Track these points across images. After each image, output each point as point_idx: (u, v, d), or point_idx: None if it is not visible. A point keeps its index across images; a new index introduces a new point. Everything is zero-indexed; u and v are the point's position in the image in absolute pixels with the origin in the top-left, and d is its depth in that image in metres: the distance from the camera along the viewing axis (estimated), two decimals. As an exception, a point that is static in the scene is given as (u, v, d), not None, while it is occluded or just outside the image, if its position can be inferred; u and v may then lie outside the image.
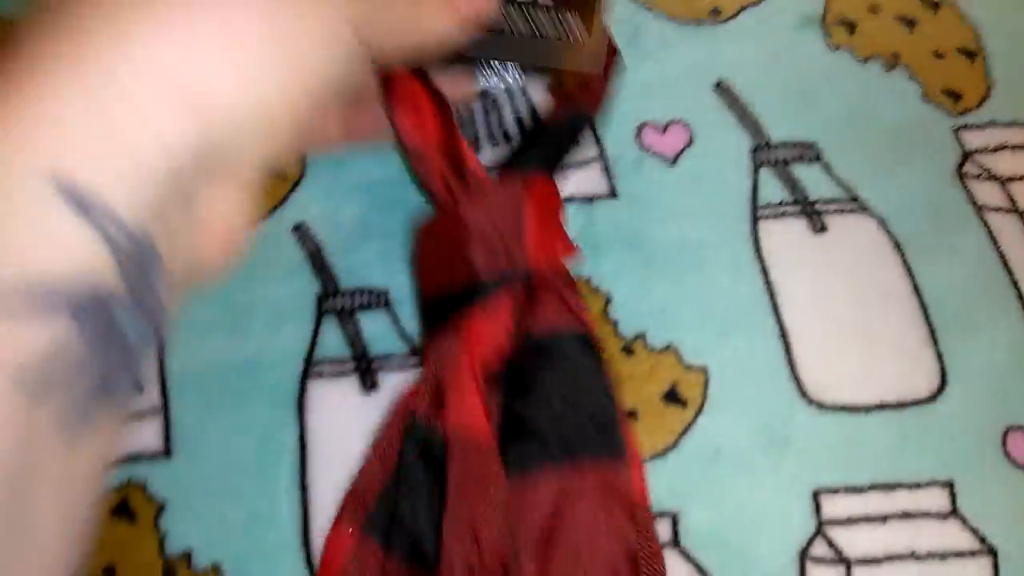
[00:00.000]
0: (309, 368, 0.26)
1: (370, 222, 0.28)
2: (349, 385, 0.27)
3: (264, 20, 0.16)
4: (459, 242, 0.25)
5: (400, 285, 0.28)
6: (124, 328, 0.15)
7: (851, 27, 0.33)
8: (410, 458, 0.24)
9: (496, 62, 0.25)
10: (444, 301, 0.26)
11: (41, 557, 0.14)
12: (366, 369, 0.27)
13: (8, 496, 0.13)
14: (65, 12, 0.16)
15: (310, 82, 0.17)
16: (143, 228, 0.15)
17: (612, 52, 0.28)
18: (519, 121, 0.30)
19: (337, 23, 0.18)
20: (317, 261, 0.28)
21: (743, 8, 0.33)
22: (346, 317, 0.27)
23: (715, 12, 0.33)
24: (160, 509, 0.24)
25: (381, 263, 0.28)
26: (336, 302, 0.27)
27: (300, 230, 0.28)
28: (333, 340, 0.27)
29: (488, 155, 0.30)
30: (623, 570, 0.24)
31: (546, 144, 0.27)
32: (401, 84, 0.25)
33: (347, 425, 0.26)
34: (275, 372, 0.26)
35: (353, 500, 0.24)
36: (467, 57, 0.25)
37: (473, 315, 0.25)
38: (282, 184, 0.28)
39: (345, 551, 0.23)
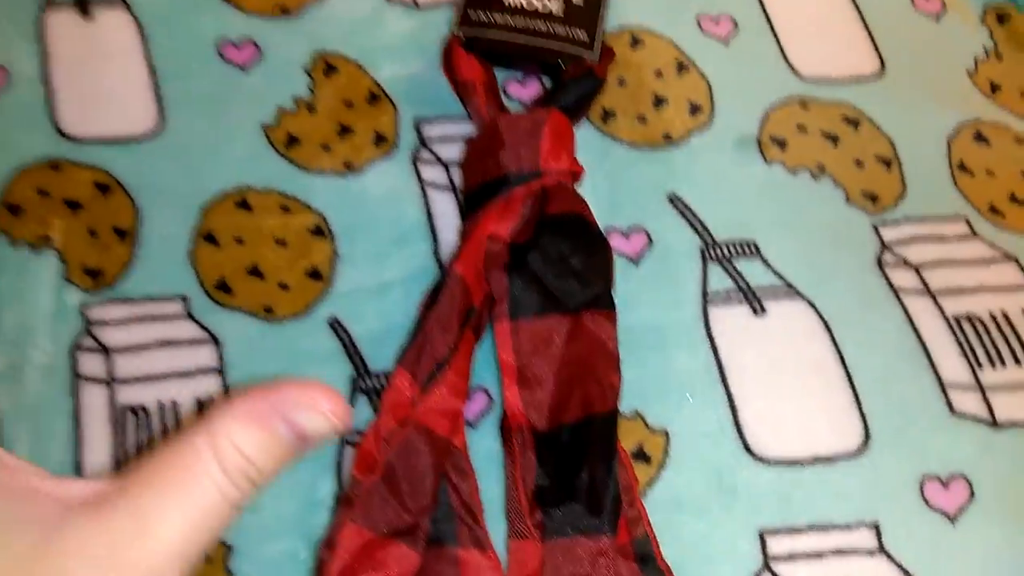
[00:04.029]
0: (345, 438, 0.32)
1: (393, 315, 0.35)
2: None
3: None
4: (493, 148, 0.35)
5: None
6: None
7: (782, 144, 0.40)
8: (433, 291, 0.33)
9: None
10: (479, 190, 0.35)
11: None
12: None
13: None
14: None
15: None
16: None
17: (609, 50, 0.40)
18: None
19: None
20: (350, 348, 0.34)
21: (691, 132, 0.40)
22: (374, 395, 0.33)
23: (667, 137, 0.40)
24: (228, 550, 0.30)
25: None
26: (367, 382, 0.34)
27: (334, 324, 0.35)
28: (365, 414, 0.33)
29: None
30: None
31: (566, 92, 0.38)
32: (457, 52, 0.38)
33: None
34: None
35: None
36: (506, 57, 0.40)
37: (495, 202, 0.35)
38: (317, 285, 0.35)
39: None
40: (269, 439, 0.19)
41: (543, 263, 0.34)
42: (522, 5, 0.40)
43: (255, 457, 0.18)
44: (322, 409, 0.19)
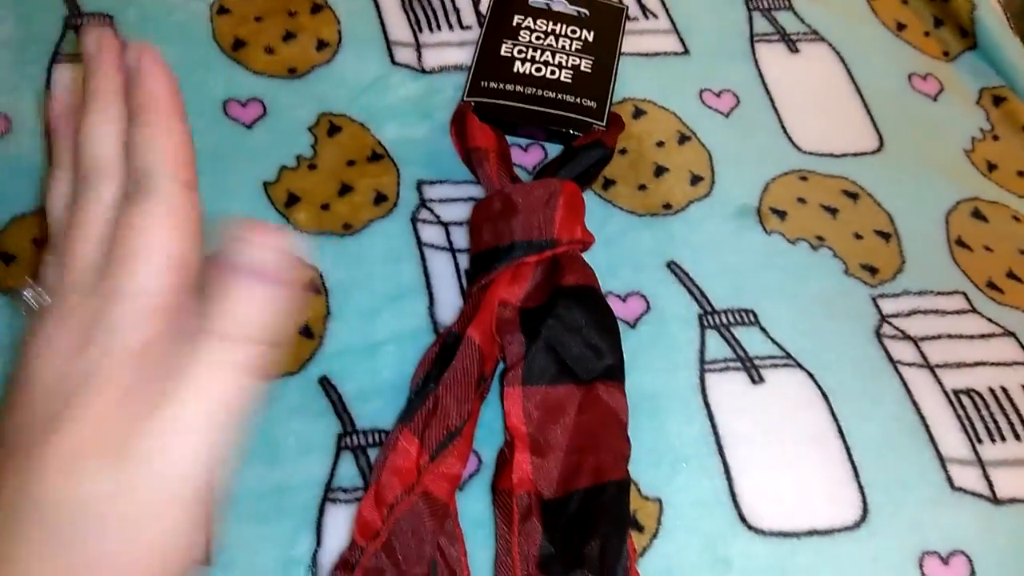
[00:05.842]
0: (327, 494, 0.32)
1: (383, 373, 0.35)
2: (360, 510, 0.32)
3: None
4: (505, 214, 0.35)
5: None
6: None
7: (782, 215, 0.40)
8: (439, 353, 0.33)
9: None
10: (487, 254, 0.35)
11: None
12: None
13: None
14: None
15: None
16: None
17: (618, 120, 0.41)
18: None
19: None
20: (338, 406, 0.34)
21: (691, 202, 0.40)
22: (359, 452, 0.33)
23: (667, 206, 0.40)
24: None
25: (392, 409, 0.34)
26: (354, 440, 0.33)
27: (324, 382, 0.34)
28: (350, 471, 0.32)
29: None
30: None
31: (576, 161, 0.38)
32: (470, 119, 0.39)
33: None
34: (299, 496, 0.32)
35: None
36: (513, 124, 0.40)
37: (505, 268, 0.35)
38: (309, 343, 0.35)
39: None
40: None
41: (561, 333, 0.34)
42: (531, 73, 0.41)
43: None
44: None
